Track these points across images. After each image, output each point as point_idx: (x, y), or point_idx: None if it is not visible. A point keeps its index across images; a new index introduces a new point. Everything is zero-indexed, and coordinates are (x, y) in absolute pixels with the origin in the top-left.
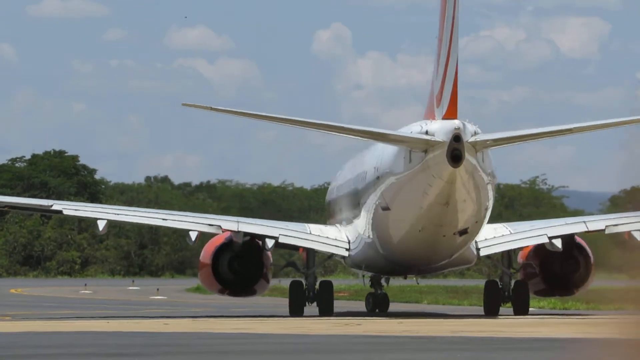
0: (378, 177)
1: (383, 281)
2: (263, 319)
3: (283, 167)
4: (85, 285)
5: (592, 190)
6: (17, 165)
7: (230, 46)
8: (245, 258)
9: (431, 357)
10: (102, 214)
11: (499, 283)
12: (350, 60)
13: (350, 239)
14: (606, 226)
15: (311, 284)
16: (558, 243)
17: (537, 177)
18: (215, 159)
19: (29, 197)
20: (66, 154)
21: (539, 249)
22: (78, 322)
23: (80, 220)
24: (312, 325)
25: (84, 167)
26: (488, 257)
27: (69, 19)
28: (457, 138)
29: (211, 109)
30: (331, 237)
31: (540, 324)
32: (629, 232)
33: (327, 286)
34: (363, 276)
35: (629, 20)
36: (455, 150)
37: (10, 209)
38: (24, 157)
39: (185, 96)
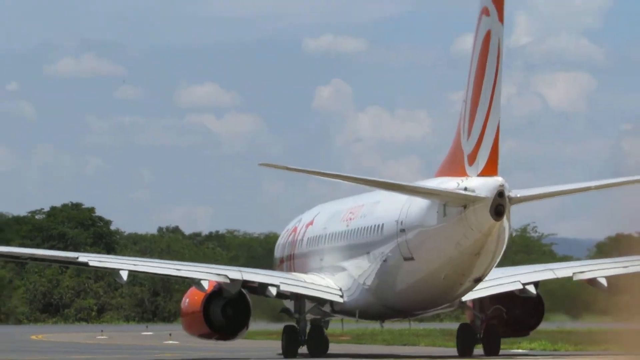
0: (403, 230)
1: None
2: None
3: (288, 217)
4: (102, 331)
5: (579, 237)
6: (36, 217)
7: (238, 102)
8: (237, 305)
9: None
10: (123, 264)
11: (471, 326)
12: (350, 115)
13: (342, 286)
14: (573, 273)
15: (303, 329)
16: (531, 288)
17: (528, 225)
18: (224, 210)
19: (47, 247)
20: (83, 206)
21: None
22: None
23: (97, 269)
24: None
25: (100, 218)
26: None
27: (84, 78)
28: (501, 194)
29: (287, 168)
30: (323, 285)
31: None
32: (594, 278)
33: (318, 330)
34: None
35: (613, 74)
36: (499, 206)
37: (40, 261)
38: (43, 209)
39: (195, 150)
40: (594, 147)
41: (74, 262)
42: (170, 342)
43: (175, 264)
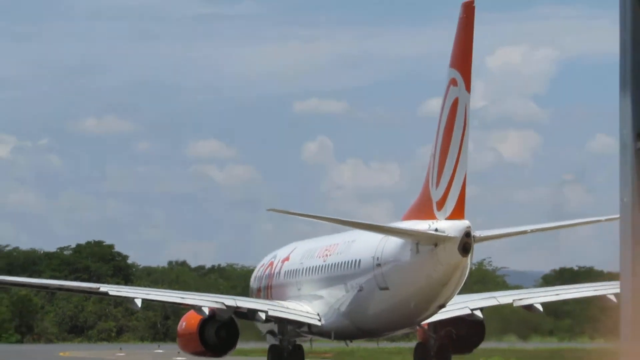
0: (379, 264)
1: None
2: None
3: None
4: (120, 349)
5: (528, 270)
6: (64, 252)
7: (236, 155)
8: (228, 328)
9: None
10: (137, 294)
11: (425, 344)
12: (332, 166)
13: (319, 312)
14: (513, 300)
15: (285, 347)
16: (478, 313)
17: (484, 259)
18: (225, 246)
19: (74, 279)
20: (104, 244)
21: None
22: None
23: (116, 298)
24: None
25: (119, 253)
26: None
27: (106, 135)
28: (467, 234)
29: (290, 213)
30: (303, 311)
31: None
32: (531, 305)
33: (298, 349)
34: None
35: (556, 132)
36: (467, 244)
37: (67, 291)
38: (70, 246)
39: (200, 195)
40: (540, 193)
41: (96, 293)
42: (179, 359)
43: (180, 293)
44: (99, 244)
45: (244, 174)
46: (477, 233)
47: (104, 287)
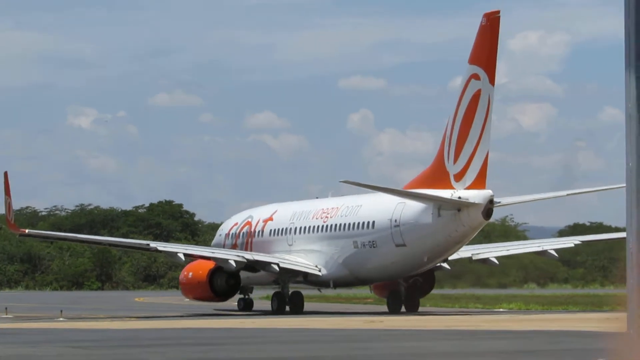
0: (397, 225)
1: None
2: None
3: None
4: None
5: (546, 225)
6: (139, 211)
7: (288, 125)
8: (235, 277)
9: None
10: (179, 249)
11: (397, 291)
12: (373, 135)
13: (317, 264)
14: (472, 254)
15: (287, 294)
16: (445, 265)
17: (507, 216)
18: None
19: (147, 234)
20: (174, 203)
21: None
22: (183, 321)
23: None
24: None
25: (187, 212)
26: None
27: (175, 107)
28: (491, 202)
29: (363, 185)
30: (304, 263)
31: (502, 321)
32: (487, 258)
33: (298, 295)
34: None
35: (569, 105)
36: (490, 210)
37: (119, 247)
38: (144, 205)
39: (257, 161)
40: (555, 158)
41: (147, 249)
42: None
43: (211, 249)
44: (169, 203)
45: (294, 142)
46: (498, 200)
47: (153, 244)
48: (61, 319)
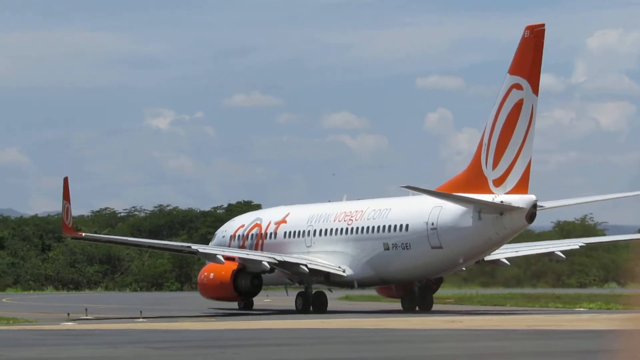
0: (434, 228)
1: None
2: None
3: None
4: (267, 295)
5: (626, 224)
6: (217, 211)
7: (367, 125)
8: (259, 278)
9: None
10: (218, 251)
11: (412, 291)
12: (451, 134)
13: (340, 265)
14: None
15: (310, 293)
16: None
17: (586, 215)
18: None
19: None
20: (252, 203)
21: None
22: (261, 321)
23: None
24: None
25: None
26: None
27: (252, 107)
28: (534, 206)
29: (423, 191)
30: (328, 264)
31: (583, 320)
32: (498, 259)
33: (321, 295)
34: (286, 287)
35: None
36: (533, 214)
37: (159, 249)
38: (222, 205)
39: (335, 161)
40: (633, 157)
41: (188, 251)
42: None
43: (246, 251)
44: (247, 203)
45: (373, 142)
46: (541, 204)
47: (194, 246)
48: (141, 319)
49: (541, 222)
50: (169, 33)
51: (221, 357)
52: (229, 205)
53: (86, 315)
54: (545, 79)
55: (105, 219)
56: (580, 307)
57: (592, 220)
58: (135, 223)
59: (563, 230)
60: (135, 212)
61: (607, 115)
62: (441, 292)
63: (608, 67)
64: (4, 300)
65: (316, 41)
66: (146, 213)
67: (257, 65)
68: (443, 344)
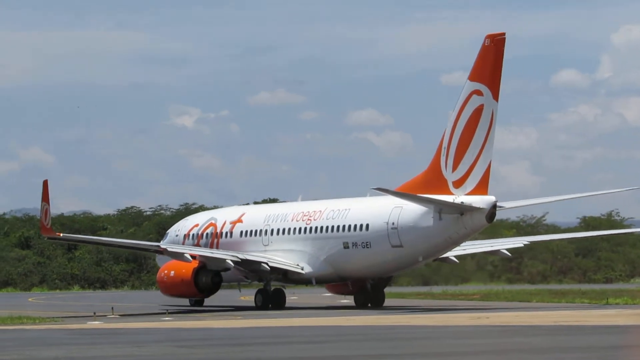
0: (395, 228)
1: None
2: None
3: None
4: (294, 293)
5: None
6: None
7: (391, 122)
8: (219, 275)
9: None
10: (185, 250)
11: (365, 288)
12: None
13: (298, 262)
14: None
15: (269, 291)
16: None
17: (612, 210)
18: None
19: None
20: (278, 200)
21: None
22: (285, 319)
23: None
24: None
25: None
26: None
27: (276, 105)
28: (494, 206)
29: (393, 193)
30: (287, 262)
31: (609, 316)
32: (447, 257)
33: (279, 292)
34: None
35: None
36: (493, 214)
37: (129, 249)
38: (248, 203)
39: (359, 158)
40: None
41: (156, 250)
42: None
43: (210, 250)
44: (273, 201)
45: (398, 140)
46: (500, 204)
47: (163, 245)
48: (167, 318)
49: (567, 217)
50: (194, 31)
51: (246, 355)
52: (254, 202)
53: (113, 314)
54: (569, 75)
55: (131, 218)
56: (607, 304)
57: (619, 216)
58: (161, 221)
59: (589, 225)
60: (162, 211)
61: (633, 111)
62: (468, 288)
63: (633, 63)
64: (29, 299)
65: (340, 37)
66: (172, 212)
67: (282, 62)
68: (470, 340)
